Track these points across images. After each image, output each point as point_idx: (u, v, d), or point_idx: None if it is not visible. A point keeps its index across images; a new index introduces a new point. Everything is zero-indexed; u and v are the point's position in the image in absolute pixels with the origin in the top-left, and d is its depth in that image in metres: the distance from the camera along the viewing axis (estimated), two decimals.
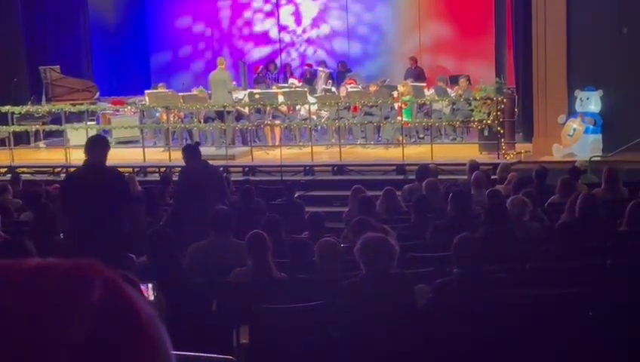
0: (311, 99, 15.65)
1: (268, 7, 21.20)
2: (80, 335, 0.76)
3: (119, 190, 7.15)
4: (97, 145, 7.20)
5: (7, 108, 15.59)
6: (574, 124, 13.19)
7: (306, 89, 16.28)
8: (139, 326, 0.81)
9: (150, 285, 4.91)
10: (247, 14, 21.31)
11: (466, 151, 13.70)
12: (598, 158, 12.40)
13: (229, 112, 15.40)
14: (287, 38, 21.13)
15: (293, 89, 16.25)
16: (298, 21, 20.97)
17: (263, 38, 21.26)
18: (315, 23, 20.84)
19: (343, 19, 20.61)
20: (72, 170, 7.46)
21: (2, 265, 0.81)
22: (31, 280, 0.79)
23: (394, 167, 13.58)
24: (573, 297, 5.35)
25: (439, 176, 10.68)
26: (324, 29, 20.82)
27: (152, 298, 4.89)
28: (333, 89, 17.07)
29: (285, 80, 18.40)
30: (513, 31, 15.84)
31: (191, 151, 9.20)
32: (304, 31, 20.95)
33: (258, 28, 21.27)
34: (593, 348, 5.21)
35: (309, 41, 20.96)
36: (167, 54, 21.79)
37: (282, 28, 21.08)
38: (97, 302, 0.78)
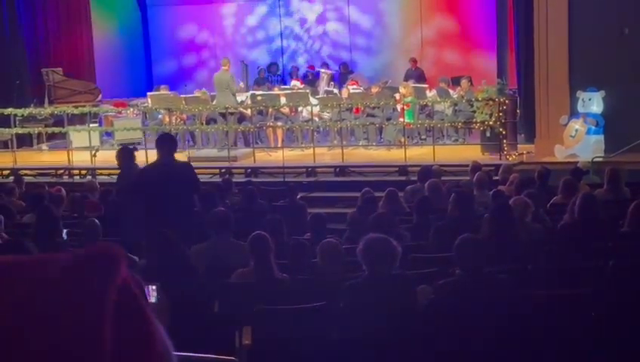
0: (313, 100, 15.66)
1: (266, 10, 21.23)
2: (110, 307, 0.78)
3: (191, 181, 7.91)
4: (166, 141, 8.06)
5: (9, 110, 15.61)
6: (576, 125, 13.18)
7: (308, 90, 16.29)
8: (146, 313, 0.84)
9: (154, 286, 4.92)
10: (251, 20, 21.32)
11: (468, 153, 13.70)
12: (601, 159, 12.40)
13: (231, 113, 15.42)
14: (290, 38, 21.13)
15: (295, 90, 16.27)
16: (301, 21, 20.99)
17: (267, 42, 21.26)
18: (318, 20, 20.86)
19: (345, 17, 20.62)
20: (146, 165, 8.41)
21: (31, 259, 0.83)
22: (66, 265, 0.81)
23: (396, 169, 13.58)
24: (575, 298, 5.35)
25: (441, 178, 10.68)
26: (327, 27, 20.84)
27: (153, 299, 4.90)
28: (336, 90, 17.08)
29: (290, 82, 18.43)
30: (515, 32, 15.84)
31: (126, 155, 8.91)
32: (307, 30, 20.96)
33: (261, 33, 21.27)
34: (596, 349, 5.21)
35: (312, 38, 20.96)
36: (171, 63, 21.74)
37: (285, 28, 21.09)
38: (122, 279, 0.81)
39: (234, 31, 21.45)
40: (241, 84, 17.37)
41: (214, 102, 15.79)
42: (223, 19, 21.54)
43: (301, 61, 20.81)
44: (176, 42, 21.62)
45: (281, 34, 21.09)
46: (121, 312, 0.80)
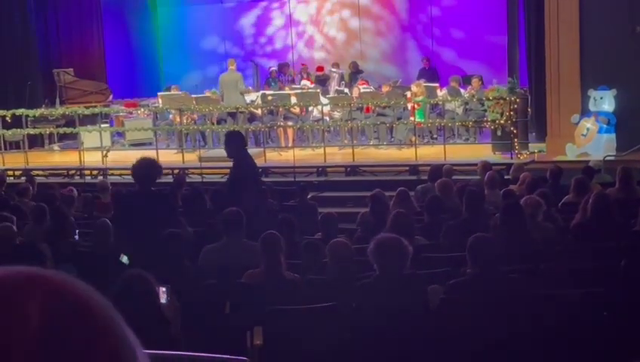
0: (323, 100, 15.66)
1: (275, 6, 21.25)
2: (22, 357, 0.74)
3: None
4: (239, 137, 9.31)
5: (21, 111, 15.67)
6: (588, 124, 13.14)
7: (318, 90, 16.30)
8: (93, 329, 0.79)
9: (164, 288, 4.93)
10: (269, 30, 21.33)
11: (479, 152, 13.68)
12: (612, 158, 12.35)
13: (242, 113, 15.45)
14: (302, 28, 21.09)
15: (305, 90, 16.27)
16: (314, 19, 20.99)
17: (281, 43, 21.26)
18: (329, 8, 20.83)
19: (355, 3, 20.59)
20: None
21: None
22: None
23: (407, 168, 13.56)
24: (587, 297, 5.33)
25: (452, 177, 10.65)
26: (340, 15, 20.78)
27: (164, 301, 4.91)
28: (346, 90, 17.08)
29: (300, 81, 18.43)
30: (526, 30, 15.80)
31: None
32: (320, 20, 20.91)
33: (274, 35, 21.27)
34: (607, 348, 5.19)
35: (324, 25, 20.91)
36: (183, 64, 21.74)
37: (296, 23, 21.08)
38: (37, 322, 0.76)
39: (254, 44, 21.42)
40: (250, 88, 17.40)
41: (223, 102, 15.82)
42: (231, 17, 21.55)
43: (316, 55, 20.77)
44: (188, 45, 21.61)
45: (290, 21, 21.01)
46: (51, 326, 0.76)
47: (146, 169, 6.90)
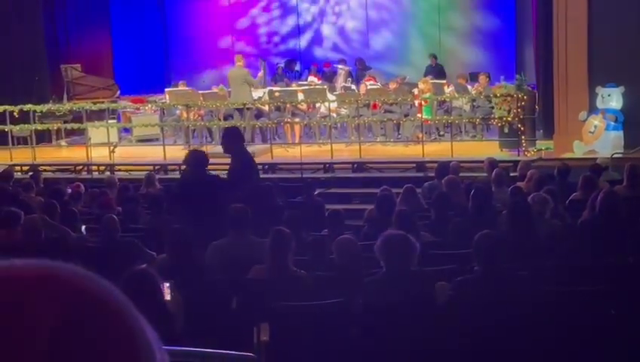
0: (330, 96, 15.65)
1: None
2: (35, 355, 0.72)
3: None
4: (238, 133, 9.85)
5: (28, 106, 15.69)
6: (595, 121, 13.10)
7: (325, 87, 16.28)
8: (109, 329, 0.76)
9: (167, 284, 4.92)
10: (283, 29, 21.29)
11: (486, 149, 13.64)
12: (620, 155, 12.31)
13: (248, 109, 15.45)
14: (310, 18, 21.08)
15: (312, 87, 16.26)
16: (321, 13, 20.96)
17: (288, 38, 21.24)
18: (335, 1, 20.82)
19: None
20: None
21: None
22: None
23: (414, 165, 13.54)
24: (595, 295, 5.31)
25: (459, 174, 10.62)
26: (348, 5, 20.74)
27: (168, 296, 4.91)
28: (353, 86, 17.07)
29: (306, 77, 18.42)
30: (535, 27, 15.75)
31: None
32: (324, 15, 20.89)
33: (284, 32, 21.26)
34: (616, 346, 5.17)
35: (325, 20, 20.88)
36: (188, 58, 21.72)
37: (303, 18, 21.05)
38: (49, 322, 0.74)
39: (268, 43, 21.39)
40: (260, 74, 17.37)
41: (231, 98, 15.83)
42: (237, 13, 21.53)
43: (323, 51, 20.72)
44: (195, 40, 21.59)
45: (298, 16, 20.98)
46: (67, 325, 0.74)
47: (197, 159, 8.33)
